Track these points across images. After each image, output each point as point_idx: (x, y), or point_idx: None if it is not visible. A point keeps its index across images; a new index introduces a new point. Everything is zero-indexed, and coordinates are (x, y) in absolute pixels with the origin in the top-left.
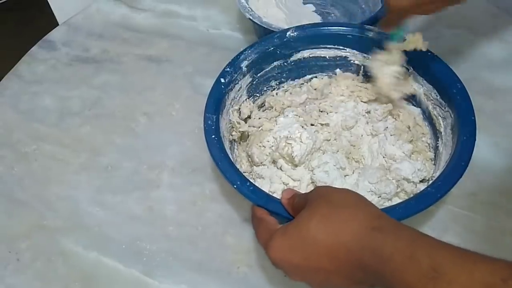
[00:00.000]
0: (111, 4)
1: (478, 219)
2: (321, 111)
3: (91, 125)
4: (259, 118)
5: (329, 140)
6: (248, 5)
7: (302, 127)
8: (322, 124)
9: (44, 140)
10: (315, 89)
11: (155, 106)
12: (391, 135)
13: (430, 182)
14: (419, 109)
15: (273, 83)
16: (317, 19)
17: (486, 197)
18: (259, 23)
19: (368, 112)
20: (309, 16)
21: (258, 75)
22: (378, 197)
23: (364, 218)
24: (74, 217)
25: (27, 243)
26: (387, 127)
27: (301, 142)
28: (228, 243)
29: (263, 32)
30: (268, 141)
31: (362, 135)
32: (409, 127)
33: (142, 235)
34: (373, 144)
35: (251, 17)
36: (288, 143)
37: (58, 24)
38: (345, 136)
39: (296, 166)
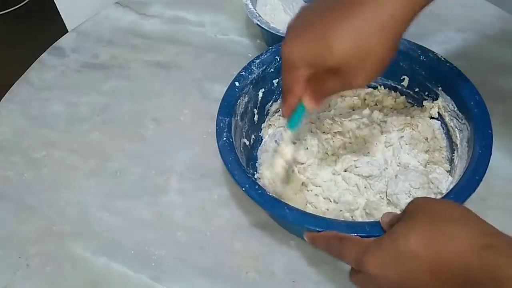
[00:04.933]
0: (120, 11)
1: None
2: (335, 120)
3: (100, 131)
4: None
5: (345, 145)
6: (255, 10)
7: (312, 131)
8: (335, 132)
9: (54, 146)
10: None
11: (164, 111)
12: (406, 144)
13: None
14: (439, 122)
15: None
16: None
17: (496, 202)
18: (267, 28)
19: (384, 121)
20: None
21: (273, 81)
22: None
23: (473, 235)
24: (83, 223)
25: (37, 248)
26: (402, 137)
27: (307, 148)
28: (236, 248)
29: (270, 38)
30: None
31: (376, 143)
32: (426, 139)
33: (151, 241)
34: (386, 153)
35: (258, 23)
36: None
37: (67, 31)
38: (360, 142)
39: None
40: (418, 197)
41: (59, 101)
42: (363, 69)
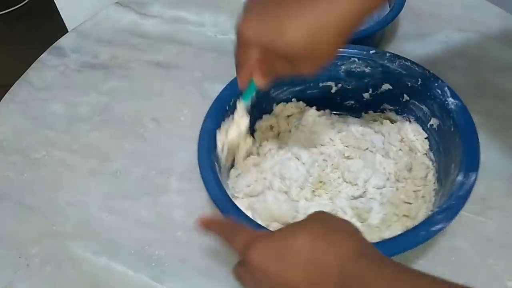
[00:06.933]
0: (120, 10)
1: (489, 224)
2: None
3: (100, 130)
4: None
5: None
6: None
7: (298, 159)
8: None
9: (54, 146)
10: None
11: (164, 111)
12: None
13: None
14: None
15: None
16: None
17: (497, 201)
18: None
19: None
20: None
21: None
22: None
23: (353, 244)
24: (83, 223)
25: (37, 248)
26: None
27: (297, 168)
28: None
29: None
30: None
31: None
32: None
33: (151, 240)
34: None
35: None
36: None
37: (67, 31)
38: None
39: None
40: (319, 210)
41: (59, 101)
42: (311, 61)
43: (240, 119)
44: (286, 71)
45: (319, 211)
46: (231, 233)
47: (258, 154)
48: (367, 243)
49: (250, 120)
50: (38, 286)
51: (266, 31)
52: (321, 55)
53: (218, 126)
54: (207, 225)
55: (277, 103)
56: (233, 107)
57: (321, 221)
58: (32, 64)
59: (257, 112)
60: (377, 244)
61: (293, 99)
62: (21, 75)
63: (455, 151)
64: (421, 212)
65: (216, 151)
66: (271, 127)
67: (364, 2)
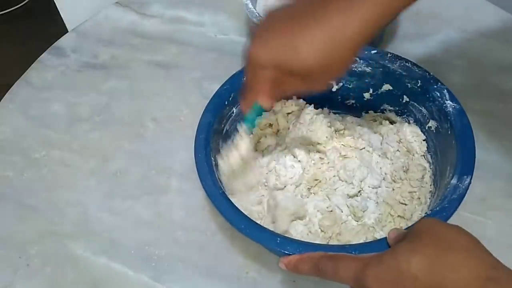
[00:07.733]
0: (119, 11)
1: (489, 224)
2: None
3: (100, 130)
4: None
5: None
6: (255, 10)
7: (294, 156)
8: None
9: (54, 146)
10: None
11: (164, 111)
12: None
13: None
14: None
15: None
16: None
17: (497, 201)
18: None
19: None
20: None
21: None
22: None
23: (477, 266)
24: (83, 223)
25: (37, 248)
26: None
27: (293, 166)
28: (237, 248)
29: None
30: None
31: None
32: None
33: (151, 240)
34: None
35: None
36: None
37: (67, 31)
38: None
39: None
40: (426, 218)
41: (59, 101)
42: (327, 75)
43: (241, 143)
44: (298, 89)
45: (425, 219)
46: (332, 265)
47: (255, 150)
48: (492, 261)
49: None
50: (38, 286)
51: (281, 52)
52: (336, 70)
53: (215, 121)
54: (295, 266)
55: (277, 100)
56: (231, 103)
57: (432, 236)
58: (32, 64)
59: None
60: (371, 244)
61: (293, 97)
62: (21, 75)
63: (451, 154)
64: (416, 213)
65: (213, 147)
66: (270, 125)
67: (377, 15)
